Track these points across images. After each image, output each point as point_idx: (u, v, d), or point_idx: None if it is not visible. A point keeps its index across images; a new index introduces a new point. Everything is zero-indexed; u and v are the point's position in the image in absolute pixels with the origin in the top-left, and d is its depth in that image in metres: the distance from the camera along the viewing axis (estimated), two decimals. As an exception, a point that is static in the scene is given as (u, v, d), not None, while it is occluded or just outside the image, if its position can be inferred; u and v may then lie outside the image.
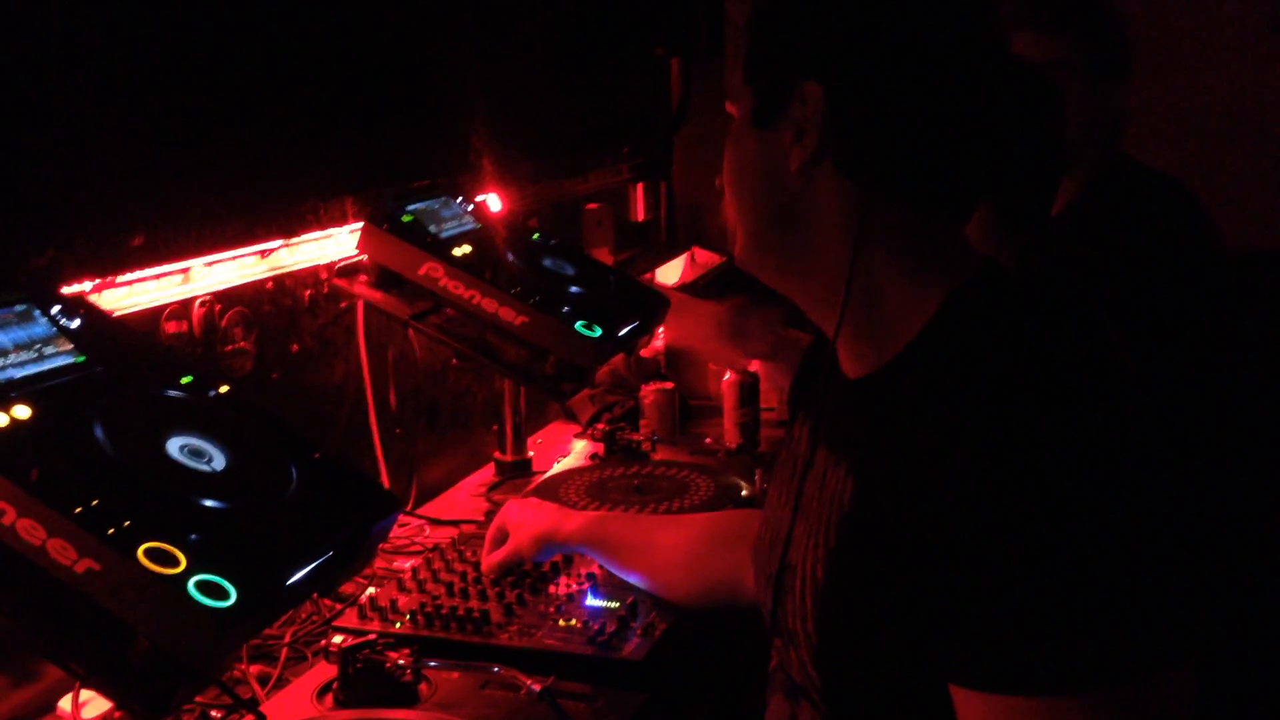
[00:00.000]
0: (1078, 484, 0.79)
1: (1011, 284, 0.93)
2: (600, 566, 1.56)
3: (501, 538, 1.56)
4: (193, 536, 1.02)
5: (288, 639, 1.51)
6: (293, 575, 1.08)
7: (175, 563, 0.98)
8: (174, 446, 1.12)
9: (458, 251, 1.86)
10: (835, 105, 0.90)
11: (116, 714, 1.29)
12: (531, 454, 2.22)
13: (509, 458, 2.20)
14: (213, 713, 1.31)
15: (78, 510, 0.97)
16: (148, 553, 0.97)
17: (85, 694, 1.27)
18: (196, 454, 1.13)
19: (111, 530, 0.97)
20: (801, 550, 0.98)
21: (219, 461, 1.14)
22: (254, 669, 1.42)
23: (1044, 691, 0.79)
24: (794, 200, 0.94)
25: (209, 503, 1.07)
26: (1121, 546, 0.80)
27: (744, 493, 1.86)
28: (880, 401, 0.93)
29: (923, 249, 0.93)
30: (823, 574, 0.93)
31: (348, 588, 1.58)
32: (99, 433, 1.07)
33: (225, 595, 0.98)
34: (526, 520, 1.53)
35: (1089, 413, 0.82)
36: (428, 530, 1.93)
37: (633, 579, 1.48)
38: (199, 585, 0.97)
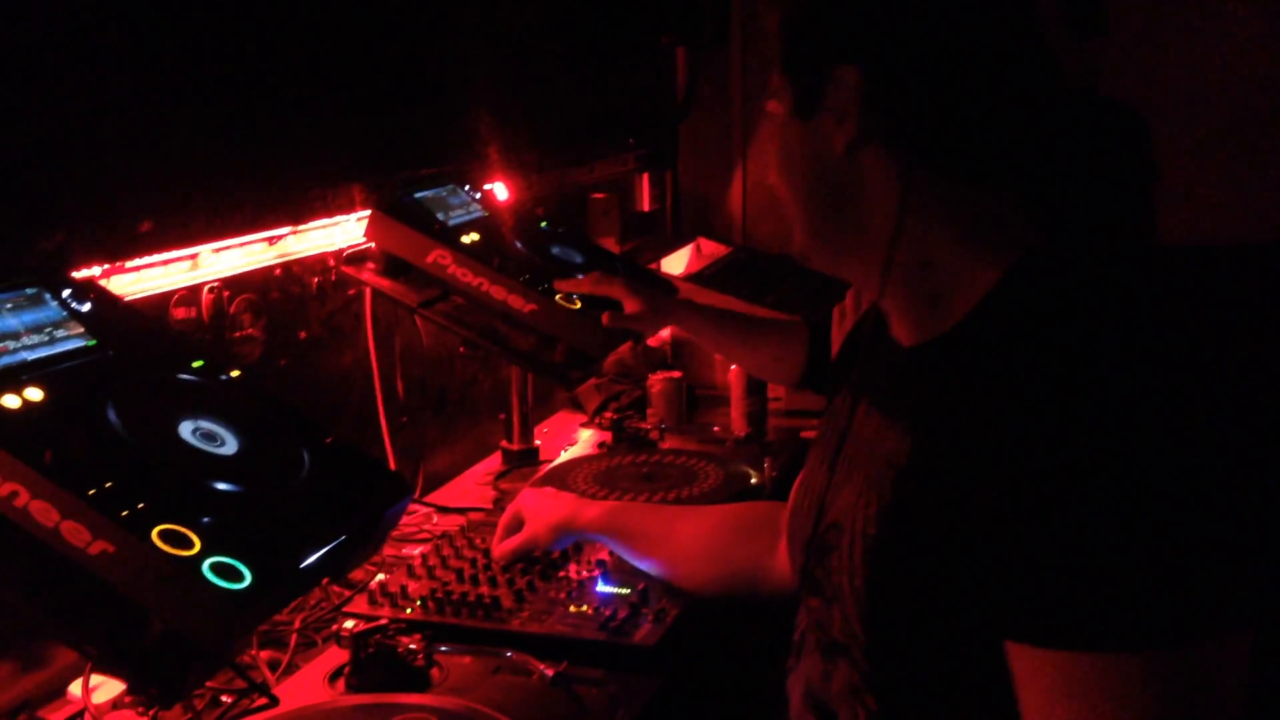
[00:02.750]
0: (1144, 441, 0.80)
1: (1076, 256, 0.95)
2: (610, 553, 1.56)
3: (515, 525, 1.55)
4: (206, 519, 1.02)
5: (297, 625, 1.50)
6: (306, 559, 1.08)
7: (189, 545, 0.98)
8: (186, 430, 1.12)
9: (466, 239, 1.85)
10: (871, 84, 0.93)
11: (127, 698, 1.28)
12: (538, 443, 2.22)
13: (516, 446, 2.19)
14: (223, 697, 1.30)
15: (91, 492, 0.97)
16: (162, 535, 0.97)
17: (96, 679, 1.26)
18: (209, 437, 1.12)
19: (125, 512, 0.97)
20: (849, 509, 0.99)
21: (231, 445, 1.14)
22: (264, 655, 1.41)
23: (1107, 647, 0.79)
24: (842, 183, 0.97)
25: (222, 486, 1.07)
26: (1186, 506, 0.80)
27: (753, 480, 1.86)
28: (940, 367, 0.95)
29: (976, 223, 0.95)
30: (874, 530, 0.94)
31: (356, 575, 1.57)
32: (112, 415, 1.07)
33: (240, 577, 0.98)
34: (543, 508, 1.52)
35: (1155, 376, 0.84)
36: (435, 518, 1.92)
37: (651, 568, 1.48)
38: (214, 567, 0.97)
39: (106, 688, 1.28)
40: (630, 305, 1.79)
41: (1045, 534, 0.80)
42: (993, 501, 0.83)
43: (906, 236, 0.95)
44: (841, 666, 1.00)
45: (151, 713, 1.27)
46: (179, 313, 1.57)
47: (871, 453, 0.99)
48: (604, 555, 1.56)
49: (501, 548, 1.53)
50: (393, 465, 1.97)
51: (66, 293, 1.22)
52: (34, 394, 1.05)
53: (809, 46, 0.97)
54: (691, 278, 2.84)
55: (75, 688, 1.29)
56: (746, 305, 2.47)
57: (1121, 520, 0.79)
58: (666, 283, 2.16)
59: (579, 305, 1.80)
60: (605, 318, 1.78)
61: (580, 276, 1.86)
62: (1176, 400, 0.83)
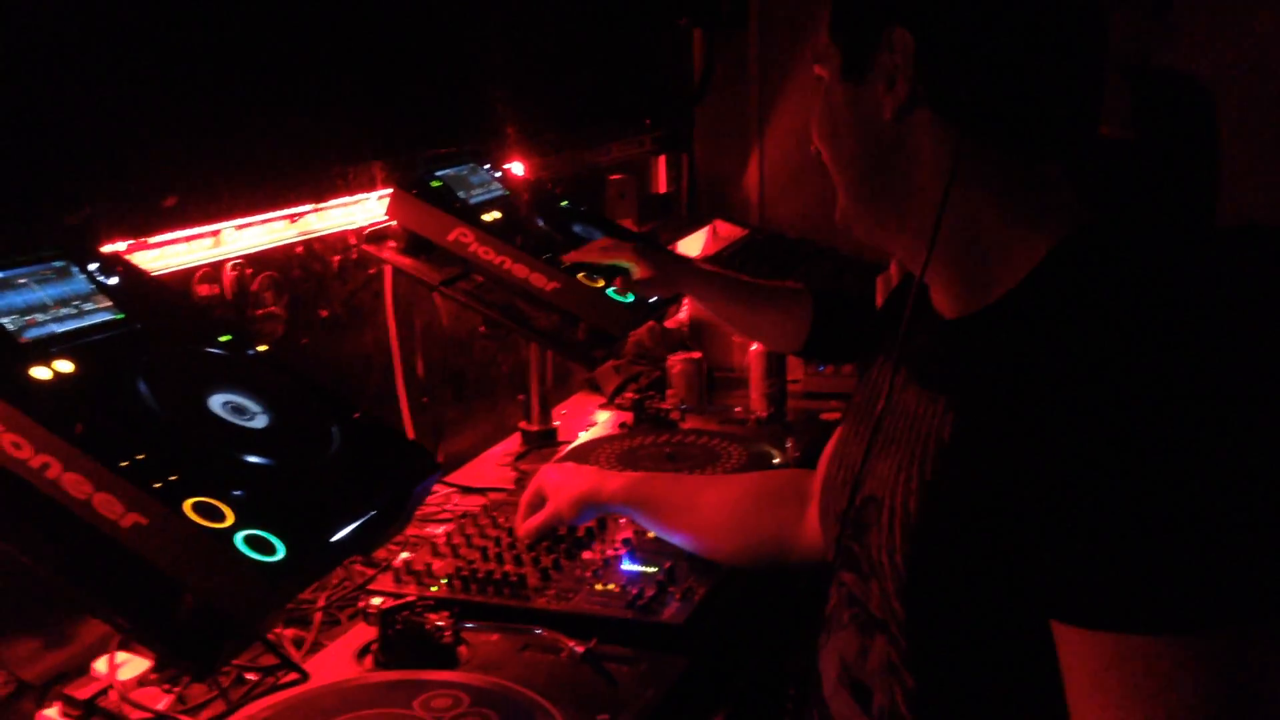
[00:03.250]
0: (1196, 420, 0.79)
1: (1127, 232, 0.93)
2: (636, 531, 1.55)
3: (537, 502, 1.54)
4: (238, 492, 1.01)
5: (321, 603, 1.50)
6: (338, 532, 1.07)
7: (222, 517, 0.97)
8: (216, 403, 1.11)
9: (487, 217, 1.84)
10: (924, 47, 0.91)
11: (153, 674, 1.28)
12: (557, 424, 2.21)
13: (535, 427, 2.18)
14: (248, 675, 1.30)
15: (123, 464, 0.96)
16: (195, 507, 0.96)
17: (121, 655, 1.26)
18: (239, 411, 1.12)
19: (158, 485, 0.96)
20: (888, 484, 0.97)
21: (261, 419, 1.13)
22: (288, 633, 1.41)
23: (1155, 629, 0.78)
24: (890, 149, 0.95)
25: (253, 459, 1.06)
26: (1237, 487, 0.79)
27: (776, 460, 1.85)
28: (985, 340, 0.93)
29: (1025, 193, 0.93)
30: (915, 506, 0.93)
31: (379, 553, 1.57)
32: (142, 388, 1.06)
33: (273, 550, 0.97)
34: (565, 483, 1.51)
35: (1205, 356, 0.82)
36: (456, 498, 1.91)
37: (676, 539, 1.46)
38: (247, 540, 0.96)
39: (132, 664, 1.27)
40: (640, 271, 1.78)
41: (1094, 513, 0.79)
42: (1039, 479, 0.81)
43: (953, 206, 0.93)
44: (879, 643, 0.99)
45: (178, 689, 1.26)
46: (202, 289, 1.57)
47: (912, 426, 0.97)
48: (629, 534, 1.55)
49: (526, 525, 1.52)
50: (413, 445, 1.96)
51: (94, 266, 1.21)
52: (64, 366, 1.04)
53: (861, 7, 0.96)
54: (708, 260, 2.83)
55: (101, 664, 1.28)
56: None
57: (1172, 500, 0.77)
58: (664, 248, 2.15)
59: (601, 283, 1.79)
60: (617, 282, 1.77)
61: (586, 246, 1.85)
62: (1227, 379, 0.81)
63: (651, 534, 1.54)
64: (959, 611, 0.91)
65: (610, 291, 1.78)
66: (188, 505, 0.96)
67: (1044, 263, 0.91)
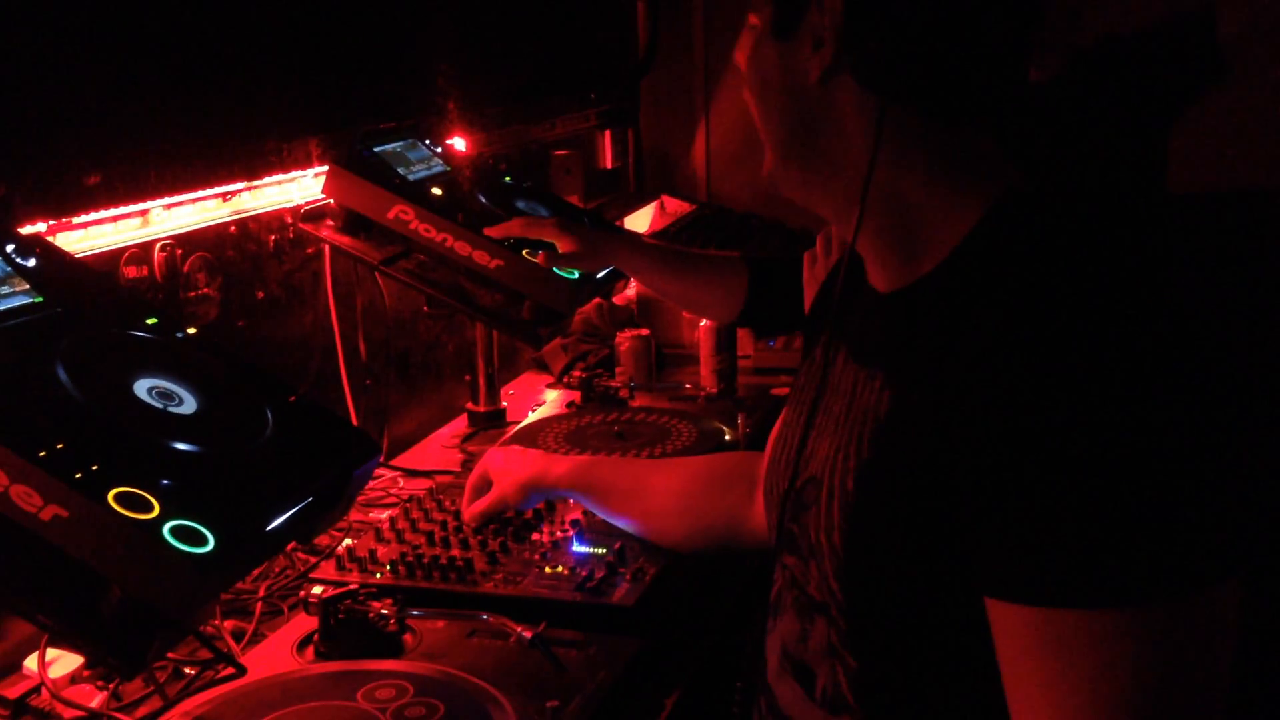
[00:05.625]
0: (1127, 392, 0.77)
1: (1054, 198, 0.91)
2: (585, 513, 1.52)
3: (483, 486, 1.51)
4: (165, 481, 0.97)
5: (262, 593, 1.46)
6: (272, 521, 1.03)
7: (148, 508, 0.93)
8: (142, 388, 1.06)
9: (428, 194, 1.80)
10: (850, 11, 0.88)
11: (86, 671, 1.24)
12: (505, 404, 2.17)
13: (482, 408, 2.15)
14: (186, 669, 1.25)
15: (41, 454, 0.92)
16: (118, 498, 0.92)
17: (53, 652, 1.21)
18: (166, 396, 1.07)
19: (79, 475, 0.92)
20: (827, 463, 0.95)
21: (190, 404, 1.08)
22: (228, 624, 1.37)
23: (1086, 604, 0.77)
24: (816, 112, 0.92)
25: (181, 446, 1.02)
26: (1168, 460, 0.77)
27: (727, 437, 1.83)
28: (918, 314, 0.91)
29: (952, 161, 0.91)
30: (854, 485, 0.91)
31: (321, 540, 1.53)
32: (61, 374, 1.01)
33: (203, 541, 0.93)
34: (511, 467, 1.48)
35: (1137, 324, 0.80)
36: (402, 482, 1.88)
37: (624, 524, 1.44)
38: (174, 531, 0.92)
39: (64, 661, 1.23)
40: (564, 245, 1.74)
41: (1023, 489, 0.78)
42: (972, 455, 0.80)
43: (881, 175, 0.90)
44: (819, 625, 0.97)
45: (112, 686, 1.22)
46: (130, 271, 1.51)
47: (850, 405, 0.95)
48: (578, 515, 1.52)
49: (471, 510, 1.49)
50: (356, 429, 1.92)
51: (10, 248, 1.15)
52: (-23, 352, 0.99)
53: None
54: (656, 235, 2.80)
55: (31, 662, 1.24)
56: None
57: (1102, 474, 0.76)
58: (610, 224, 2.11)
59: (541, 258, 1.75)
60: (540, 258, 1.73)
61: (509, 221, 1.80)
62: (1159, 349, 0.80)
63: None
64: (896, 591, 0.89)
65: (555, 268, 1.75)
66: (111, 496, 0.92)
67: (972, 234, 0.89)
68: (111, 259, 1.48)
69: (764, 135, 0.97)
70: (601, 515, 1.46)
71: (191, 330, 1.21)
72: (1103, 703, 0.77)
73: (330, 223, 1.80)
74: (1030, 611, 0.79)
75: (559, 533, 1.48)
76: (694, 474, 1.42)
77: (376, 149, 1.83)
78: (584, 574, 1.36)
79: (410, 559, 1.41)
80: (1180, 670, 0.77)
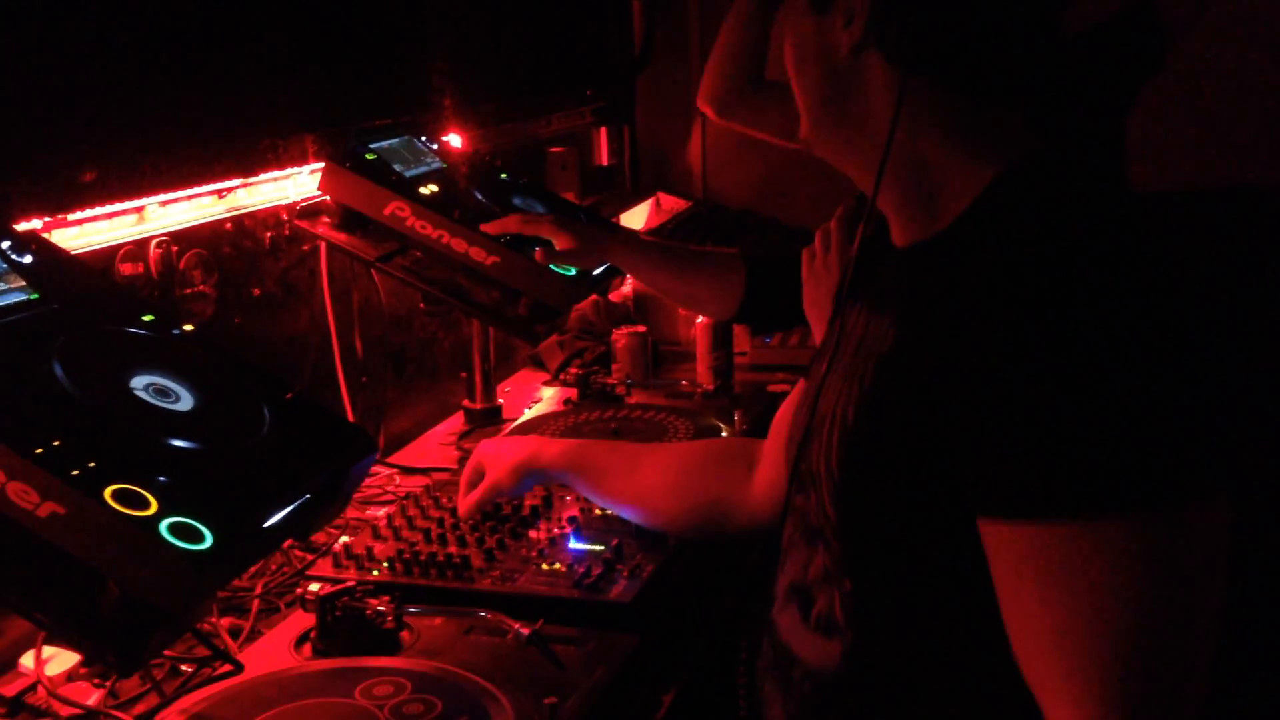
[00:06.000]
0: (1113, 316, 0.82)
1: (1067, 161, 0.96)
2: (582, 509, 1.52)
3: (477, 479, 1.49)
4: (162, 478, 0.96)
5: (259, 590, 1.45)
6: (269, 518, 1.03)
7: (145, 505, 0.93)
8: (138, 385, 1.06)
9: (424, 191, 1.79)
10: None
11: (83, 669, 1.23)
12: (501, 402, 2.17)
13: (478, 406, 2.15)
14: (184, 666, 1.25)
15: (38, 451, 0.91)
16: (115, 494, 0.92)
17: (49, 649, 1.21)
18: (162, 393, 1.07)
19: (75, 472, 0.92)
20: (834, 399, 1.00)
21: (187, 401, 1.08)
22: (224, 622, 1.36)
23: (1074, 515, 0.80)
24: (846, 82, 0.99)
25: (178, 443, 1.01)
26: (1152, 377, 0.81)
27: (724, 434, 1.83)
28: (930, 265, 0.97)
29: (969, 127, 0.96)
30: (853, 413, 0.96)
31: (318, 537, 1.52)
32: (58, 370, 1.01)
33: (200, 538, 0.93)
34: (503, 453, 1.46)
35: (1126, 266, 0.85)
36: (398, 479, 1.87)
37: (617, 506, 1.42)
38: (172, 528, 0.92)
39: (60, 659, 1.23)
40: (561, 242, 1.73)
41: (1014, 406, 0.82)
42: (966, 379, 0.85)
43: (903, 139, 0.96)
44: (819, 551, 1.02)
45: (109, 684, 1.22)
46: (125, 268, 1.51)
47: (860, 346, 1.01)
48: (575, 511, 1.52)
49: (466, 501, 1.47)
50: (353, 426, 1.91)
51: (6, 245, 1.15)
52: (-27, 349, 0.99)
53: None
54: (652, 232, 2.80)
55: (27, 659, 1.23)
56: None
57: (1088, 390, 0.80)
58: (607, 221, 2.11)
59: (538, 255, 1.75)
60: (538, 254, 1.72)
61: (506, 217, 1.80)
62: (1145, 284, 0.85)
63: (598, 511, 1.51)
64: (887, 514, 0.93)
65: (552, 264, 1.75)
66: (108, 493, 0.91)
67: (984, 193, 0.94)
68: (107, 256, 1.48)
69: (799, 101, 1.04)
70: (594, 498, 1.45)
71: (188, 327, 1.21)
72: (1096, 616, 0.81)
73: (326, 219, 1.79)
74: (1023, 528, 0.82)
75: (556, 529, 1.48)
76: (691, 452, 1.43)
77: (372, 146, 1.82)
78: (581, 571, 1.36)
79: (407, 556, 1.41)
80: (1171, 585, 0.81)
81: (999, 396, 0.82)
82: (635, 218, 2.99)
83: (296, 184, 1.81)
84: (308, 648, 1.26)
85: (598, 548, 1.42)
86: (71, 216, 1.39)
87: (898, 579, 0.95)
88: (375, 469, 1.88)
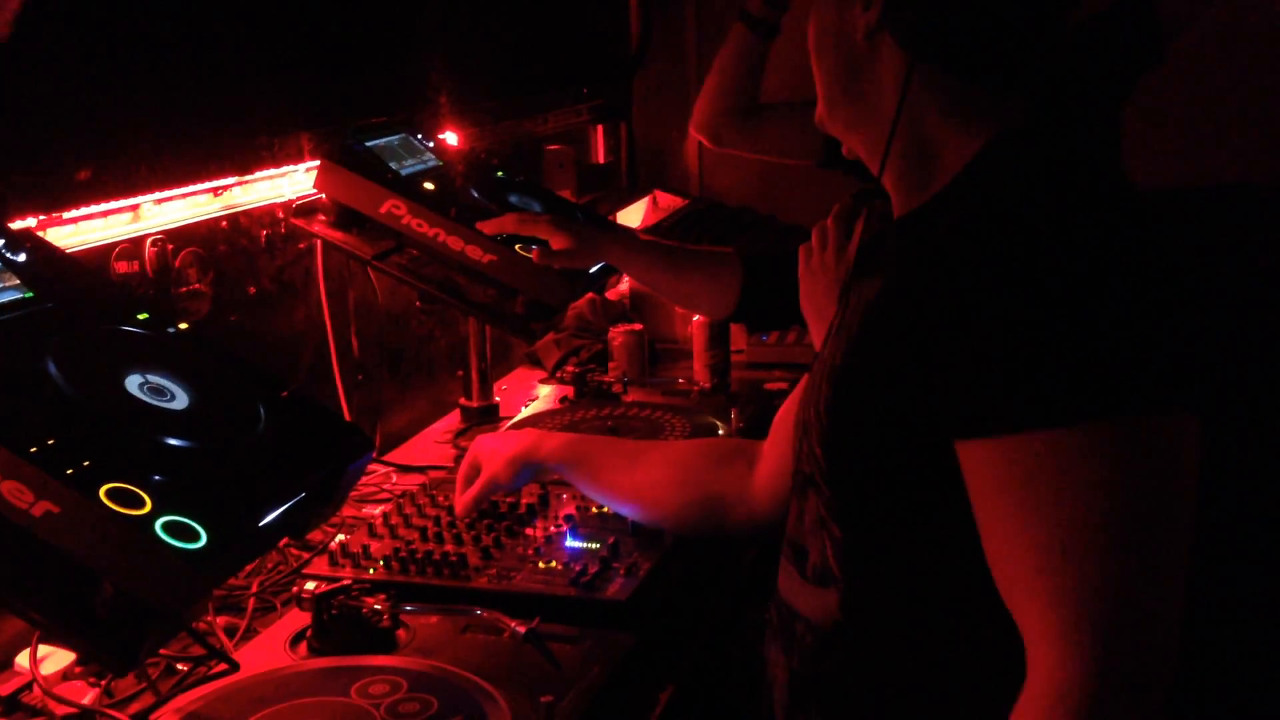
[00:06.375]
0: (1081, 248, 0.87)
1: (1054, 135, 1.01)
2: (578, 507, 1.52)
3: (473, 476, 1.48)
4: (157, 477, 0.96)
5: (255, 589, 1.45)
6: (265, 516, 1.03)
7: (140, 503, 0.92)
8: (133, 383, 1.05)
9: (421, 188, 1.79)
10: None
11: (78, 668, 1.23)
12: (497, 400, 2.17)
13: (475, 404, 2.15)
14: (179, 665, 1.25)
15: (33, 450, 0.91)
16: (110, 493, 0.92)
17: (44, 649, 1.21)
18: (157, 391, 1.07)
19: (70, 470, 0.91)
20: (829, 352, 1.05)
21: (182, 399, 1.08)
22: (220, 620, 1.36)
23: (1049, 422, 0.84)
24: (859, 65, 1.05)
25: (173, 441, 1.01)
26: (1115, 297, 0.86)
27: (720, 432, 1.83)
28: (916, 227, 1.03)
29: (971, 108, 1.02)
30: (841, 359, 1.01)
31: (314, 536, 1.52)
32: (53, 369, 1.00)
33: (195, 537, 0.93)
34: (499, 446, 1.45)
35: (1101, 207, 0.91)
36: (395, 477, 1.87)
37: (613, 500, 1.42)
38: (167, 526, 0.92)
39: (56, 658, 1.23)
40: (557, 242, 1.73)
41: (982, 328, 0.87)
42: (938, 308, 0.90)
43: (907, 121, 1.02)
44: (811, 499, 1.06)
45: (104, 683, 1.22)
46: (121, 267, 1.50)
47: (856, 306, 1.06)
48: (572, 510, 1.52)
49: (463, 499, 1.46)
50: (349, 424, 1.91)
51: (0, 243, 1.14)
52: (-33, 348, 0.99)
53: None
54: (648, 230, 2.79)
55: (23, 658, 1.23)
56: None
57: (1052, 310, 0.85)
58: (605, 220, 2.11)
59: (535, 254, 1.75)
60: (534, 254, 1.72)
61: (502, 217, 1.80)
62: (1108, 218, 0.90)
63: (595, 509, 1.51)
64: (872, 453, 0.97)
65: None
66: (103, 491, 0.91)
67: (971, 162, 1.00)
68: (102, 254, 1.47)
69: (818, 82, 1.10)
70: (591, 492, 1.44)
71: (183, 325, 1.21)
72: (1070, 523, 0.84)
73: (322, 218, 1.79)
74: (997, 443, 0.86)
75: (553, 528, 1.48)
76: (691, 448, 1.43)
77: (368, 143, 1.82)
78: (578, 569, 1.36)
79: (403, 554, 1.41)
80: (1143, 494, 0.84)
81: (970, 320, 0.87)
82: (632, 215, 2.98)
83: (292, 182, 1.81)
84: (303, 646, 1.26)
85: (594, 546, 1.42)
86: (66, 214, 1.39)
87: (885, 522, 0.99)
88: (372, 467, 1.87)
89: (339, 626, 1.24)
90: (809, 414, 1.05)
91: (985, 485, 0.88)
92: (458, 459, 1.91)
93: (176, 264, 1.59)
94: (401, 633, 1.27)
